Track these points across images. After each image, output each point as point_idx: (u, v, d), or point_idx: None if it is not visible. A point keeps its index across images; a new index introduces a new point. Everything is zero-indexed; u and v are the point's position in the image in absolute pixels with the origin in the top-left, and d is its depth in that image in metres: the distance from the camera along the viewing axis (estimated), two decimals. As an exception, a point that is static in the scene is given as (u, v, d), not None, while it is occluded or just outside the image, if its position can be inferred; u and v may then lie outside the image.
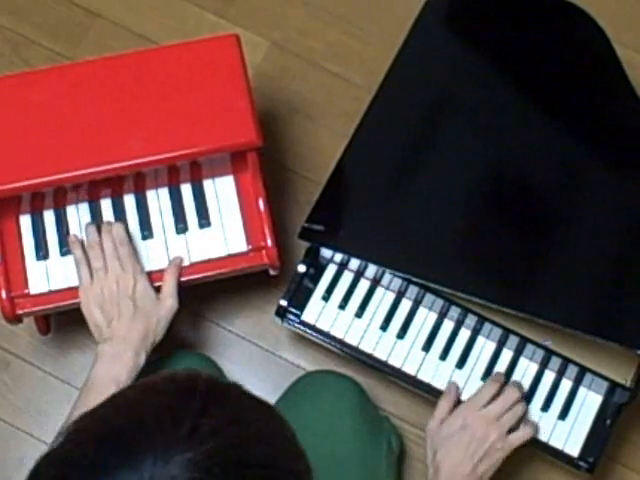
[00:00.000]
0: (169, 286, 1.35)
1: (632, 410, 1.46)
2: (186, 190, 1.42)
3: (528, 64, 1.54)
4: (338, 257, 1.46)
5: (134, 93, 1.37)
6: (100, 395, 1.21)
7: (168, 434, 0.69)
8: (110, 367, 1.27)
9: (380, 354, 1.45)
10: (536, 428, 1.40)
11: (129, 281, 1.32)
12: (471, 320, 1.45)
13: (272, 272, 1.43)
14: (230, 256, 1.40)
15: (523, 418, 1.38)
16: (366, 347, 1.46)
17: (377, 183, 1.48)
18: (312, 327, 1.47)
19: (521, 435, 1.36)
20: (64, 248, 1.39)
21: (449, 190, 1.47)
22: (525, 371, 1.45)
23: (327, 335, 1.46)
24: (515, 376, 1.45)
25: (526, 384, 1.45)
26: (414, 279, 1.42)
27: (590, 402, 1.45)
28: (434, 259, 1.42)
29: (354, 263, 1.46)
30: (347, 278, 1.48)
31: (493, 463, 1.32)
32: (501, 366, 1.45)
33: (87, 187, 1.40)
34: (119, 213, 1.41)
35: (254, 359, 1.62)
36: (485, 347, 1.46)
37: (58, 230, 1.40)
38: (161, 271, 1.39)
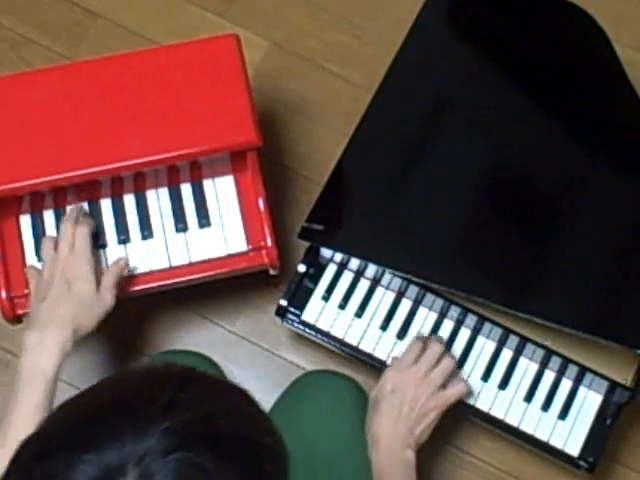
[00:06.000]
0: (107, 281, 1.32)
1: (632, 410, 1.46)
2: (186, 190, 1.42)
3: (528, 64, 1.54)
4: (338, 257, 1.46)
5: (134, 93, 1.37)
6: (32, 389, 1.21)
7: (148, 408, 0.72)
8: (36, 359, 1.24)
9: (380, 354, 1.45)
10: (467, 384, 1.38)
11: (71, 264, 1.30)
12: (471, 320, 1.45)
13: (272, 272, 1.43)
14: (230, 256, 1.40)
15: (455, 373, 1.38)
16: (366, 347, 1.46)
17: (377, 183, 1.48)
18: (312, 327, 1.47)
19: (455, 391, 1.35)
20: (64, 248, 1.39)
21: (449, 189, 1.47)
22: (525, 371, 1.45)
23: (327, 335, 1.46)
24: (515, 376, 1.45)
25: (526, 384, 1.45)
26: (414, 279, 1.42)
27: (590, 402, 1.45)
28: (434, 259, 1.42)
29: (354, 263, 1.46)
30: (347, 278, 1.48)
31: (429, 423, 1.31)
32: (501, 366, 1.45)
33: (87, 187, 1.40)
34: (119, 213, 1.41)
35: (254, 359, 1.62)
36: (485, 347, 1.46)
37: (58, 230, 1.40)
38: (161, 271, 1.39)
